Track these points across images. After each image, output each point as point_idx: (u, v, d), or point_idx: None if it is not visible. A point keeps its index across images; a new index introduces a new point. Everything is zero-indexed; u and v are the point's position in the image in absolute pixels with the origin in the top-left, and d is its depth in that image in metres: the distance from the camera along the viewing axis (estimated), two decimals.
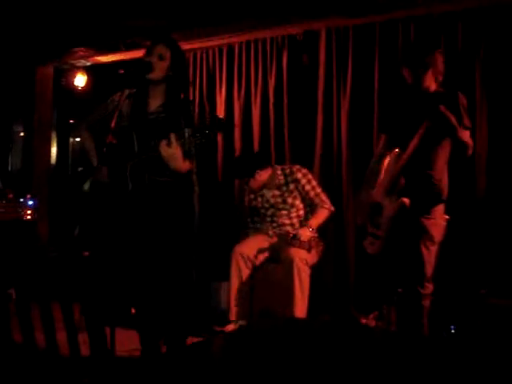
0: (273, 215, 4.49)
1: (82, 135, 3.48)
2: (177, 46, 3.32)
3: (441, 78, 3.44)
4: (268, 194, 4.49)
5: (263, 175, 4.47)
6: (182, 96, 3.33)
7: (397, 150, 3.45)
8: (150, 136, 3.12)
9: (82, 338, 1.96)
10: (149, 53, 3.23)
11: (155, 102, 3.26)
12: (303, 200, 4.44)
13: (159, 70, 3.20)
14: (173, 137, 2.98)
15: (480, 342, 3.40)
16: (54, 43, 5.67)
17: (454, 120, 3.24)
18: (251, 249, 4.35)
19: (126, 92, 3.20)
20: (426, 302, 3.40)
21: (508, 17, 4.10)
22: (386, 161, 3.57)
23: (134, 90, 3.28)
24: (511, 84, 4.11)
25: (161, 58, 3.19)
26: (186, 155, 3.01)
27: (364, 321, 4.01)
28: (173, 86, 3.25)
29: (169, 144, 3.00)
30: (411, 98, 3.48)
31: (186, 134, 2.93)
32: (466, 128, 3.32)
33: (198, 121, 3.02)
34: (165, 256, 3.16)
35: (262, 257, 4.37)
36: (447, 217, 3.51)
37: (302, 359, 1.83)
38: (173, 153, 3.00)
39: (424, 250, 3.37)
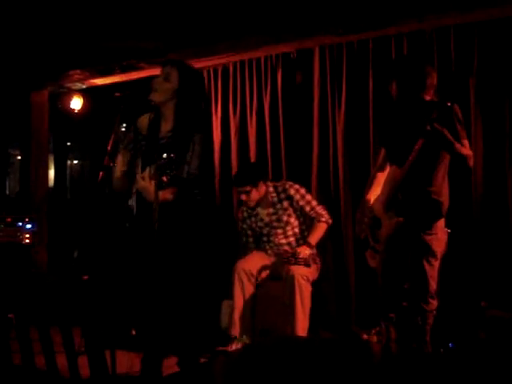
0: (269, 234, 4.46)
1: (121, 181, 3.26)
2: (185, 66, 3.27)
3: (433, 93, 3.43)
4: (262, 212, 4.47)
5: (260, 191, 4.41)
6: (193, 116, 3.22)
7: (394, 165, 3.44)
8: (149, 161, 3.09)
9: (83, 361, 1.95)
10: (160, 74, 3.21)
11: (166, 126, 3.20)
12: (298, 217, 4.42)
13: (163, 91, 3.14)
14: (147, 171, 2.97)
15: (482, 355, 3.38)
16: (49, 67, 5.69)
17: (448, 135, 3.20)
18: (254, 265, 4.32)
19: (148, 116, 3.19)
20: (430, 318, 3.38)
21: (500, 31, 4.13)
22: (384, 175, 3.57)
23: (153, 114, 3.22)
24: (505, 97, 4.13)
25: (166, 79, 3.16)
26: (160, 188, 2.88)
27: (365, 337, 3.99)
28: (180, 107, 3.17)
29: (143, 178, 2.99)
30: (407, 110, 3.44)
31: (152, 171, 2.92)
32: (462, 139, 3.30)
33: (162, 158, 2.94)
34: (173, 273, 3.13)
35: (263, 274, 4.35)
36: (448, 230, 3.49)
37: (306, 380, 1.82)
38: (145, 186, 2.98)
39: (427, 266, 3.35)
